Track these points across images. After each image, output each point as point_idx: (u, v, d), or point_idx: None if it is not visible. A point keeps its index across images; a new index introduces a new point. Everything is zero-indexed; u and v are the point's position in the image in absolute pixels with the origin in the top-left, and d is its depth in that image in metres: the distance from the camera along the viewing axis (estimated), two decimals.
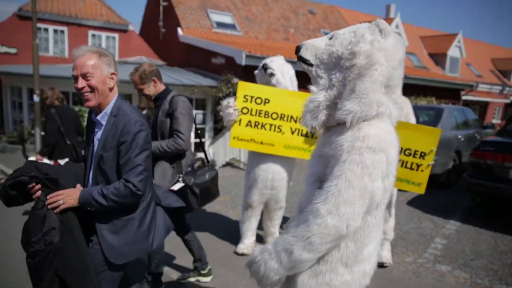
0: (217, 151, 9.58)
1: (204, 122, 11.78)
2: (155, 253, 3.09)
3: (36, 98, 8.89)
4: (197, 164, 3.20)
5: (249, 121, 4.02)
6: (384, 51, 1.48)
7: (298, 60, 1.67)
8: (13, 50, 14.42)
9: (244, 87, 4.05)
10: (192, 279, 3.45)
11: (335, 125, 1.56)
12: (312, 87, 1.63)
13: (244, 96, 4.00)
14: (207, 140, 11.51)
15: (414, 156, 3.24)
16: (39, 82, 9.00)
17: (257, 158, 4.09)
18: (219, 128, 11.03)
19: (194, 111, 11.22)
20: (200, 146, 3.94)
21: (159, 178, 3.07)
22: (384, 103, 1.49)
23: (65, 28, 14.85)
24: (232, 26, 16.56)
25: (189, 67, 14.51)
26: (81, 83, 1.90)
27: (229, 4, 17.53)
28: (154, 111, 3.25)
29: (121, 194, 1.87)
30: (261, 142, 4.01)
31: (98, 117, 1.99)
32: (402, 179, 3.32)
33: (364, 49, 1.47)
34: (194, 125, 3.29)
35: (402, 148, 3.13)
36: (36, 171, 1.86)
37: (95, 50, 1.98)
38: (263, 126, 4.02)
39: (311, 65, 1.62)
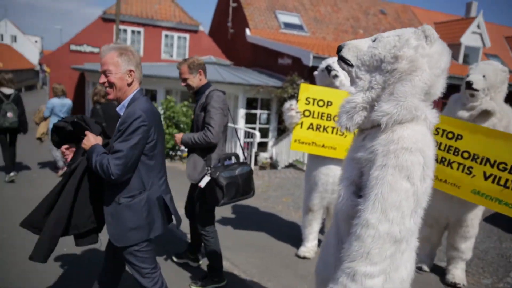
0: (280, 151, 9.58)
1: (268, 122, 11.86)
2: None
3: None
4: (232, 160, 3.22)
5: (311, 124, 3.95)
6: (428, 57, 1.46)
7: (339, 59, 1.66)
8: (96, 50, 15.73)
9: (306, 89, 3.98)
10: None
11: (369, 128, 1.55)
12: (351, 88, 1.63)
13: (306, 99, 3.93)
14: (270, 140, 11.58)
15: (510, 172, 2.63)
16: None
17: (317, 161, 4.01)
18: (283, 129, 11.03)
19: (259, 111, 11.36)
20: (248, 144, 4.11)
21: (190, 170, 3.18)
22: (420, 108, 1.47)
23: (141, 29, 15.85)
24: (299, 27, 16.47)
25: (255, 67, 14.71)
26: (102, 79, 2.15)
27: (297, 5, 17.46)
28: (194, 105, 3.31)
29: (102, 170, 2.00)
30: (323, 146, 3.91)
31: (117, 109, 2.22)
32: (493, 197, 2.74)
33: (408, 54, 1.46)
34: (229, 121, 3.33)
35: (495, 161, 2.75)
36: (73, 121, 2.27)
37: (117, 48, 2.16)
38: (325, 129, 3.92)
39: (352, 65, 1.62)
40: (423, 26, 1.51)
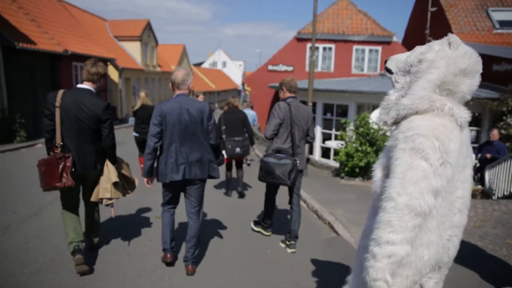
0: (496, 177, 7.82)
1: (477, 141, 9.96)
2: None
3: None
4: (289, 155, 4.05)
5: None
6: (447, 58, 1.64)
7: (385, 70, 1.94)
8: (290, 68, 16.83)
9: None
10: (256, 228, 4.69)
11: (400, 121, 1.73)
12: (390, 91, 1.85)
13: None
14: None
15: None
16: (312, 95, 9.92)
17: None
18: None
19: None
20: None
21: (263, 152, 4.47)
22: (438, 100, 1.62)
23: (332, 45, 16.07)
24: None
25: None
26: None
27: None
28: None
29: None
30: None
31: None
32: None
33: (429, 57, 1.67)
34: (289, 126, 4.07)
35: None
36: None
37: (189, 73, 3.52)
38: None
39: (392, 73, 1.87)
40: (448, 35, 1.67)
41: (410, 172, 1.53)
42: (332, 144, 10.24)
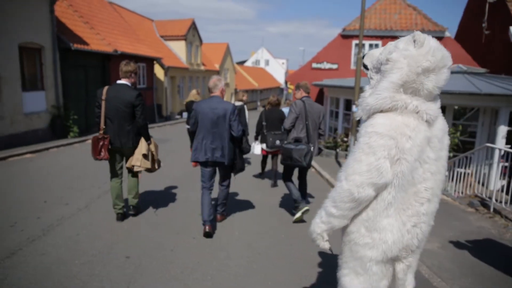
0: None
1: None
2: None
3: (354, 108, 9.48)
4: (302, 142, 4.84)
5: None
6: (409, 58, 1.71)
7: (362, 65, 2.05)
8: (335, 66, 16.44)
9: None
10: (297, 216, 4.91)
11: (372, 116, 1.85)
12: (366, 86, 1.95)
13: None
14: None
15: None
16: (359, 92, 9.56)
17: None
18: None
19: None
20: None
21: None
22: (401, 100, 1.73)
23: (379, 42, 15.48)
24: None
25: None
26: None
27: None
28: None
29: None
30: None
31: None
32: None
33: (394, 57, 1.74)
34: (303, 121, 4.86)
35: None
36: None
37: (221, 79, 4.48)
38: None
39: (368, 69, 1.98)
40: (414, 33, 1.73)
41: (358, 164, 1.75)
42: None
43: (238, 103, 7.10)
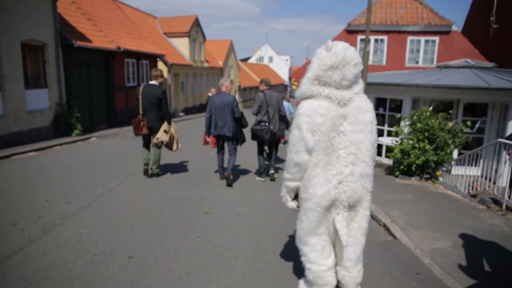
0: None
1: None
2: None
3: None
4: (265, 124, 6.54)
5: None
6: (319, 60, 2.44)
7: None
8: None
9: None
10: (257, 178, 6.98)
11: None
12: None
13: None
14: None
15: None
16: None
17: None
18: None
19: None
20: None
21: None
22: (315, 90, 2.45)
23: (385, 37, 15.28)
24: None
25: None
26: None
27: None
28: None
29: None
30: None
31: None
32: None
33: (312, 59, 2.51)
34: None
35: None
36: None
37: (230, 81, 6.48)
38: None
39: None
40: (327, 42, 2.46)
41: (293, 138, 2.50)
42: (386, 140, 9.65)
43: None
